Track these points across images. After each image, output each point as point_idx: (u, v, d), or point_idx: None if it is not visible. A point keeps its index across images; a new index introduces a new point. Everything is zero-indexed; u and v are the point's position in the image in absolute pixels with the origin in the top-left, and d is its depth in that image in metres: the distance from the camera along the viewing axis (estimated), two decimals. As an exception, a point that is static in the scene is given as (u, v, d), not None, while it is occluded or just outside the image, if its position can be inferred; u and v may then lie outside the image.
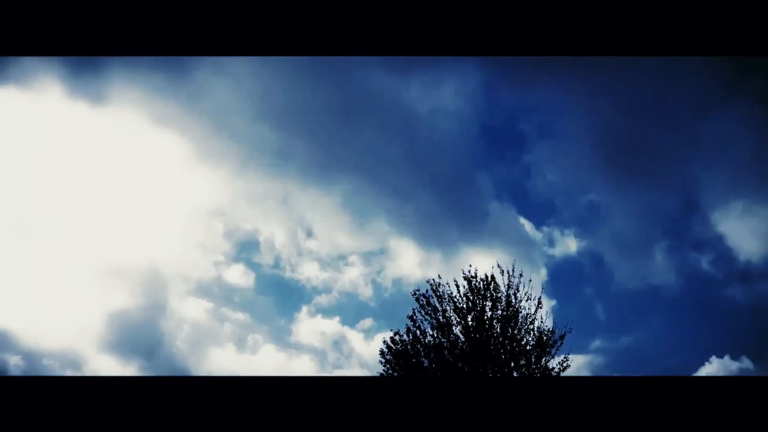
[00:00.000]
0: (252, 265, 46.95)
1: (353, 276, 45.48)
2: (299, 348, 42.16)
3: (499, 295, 17.18)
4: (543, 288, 17.97)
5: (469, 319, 17.06)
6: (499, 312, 17.08)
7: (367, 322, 44.94)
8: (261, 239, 46.51)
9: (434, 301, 17.43)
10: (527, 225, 46.07)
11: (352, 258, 45.81)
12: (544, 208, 47.57)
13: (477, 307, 17.11)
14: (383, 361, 17.42)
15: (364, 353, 40.84)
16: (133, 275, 39.93)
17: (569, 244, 45.67)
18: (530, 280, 17.40)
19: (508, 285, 17.24)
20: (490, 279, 17.35)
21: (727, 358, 31.58)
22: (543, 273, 42.50)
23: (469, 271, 17.44)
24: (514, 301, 17.21)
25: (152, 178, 45.46)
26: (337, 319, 43.55)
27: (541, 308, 17.21)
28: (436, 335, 17.20)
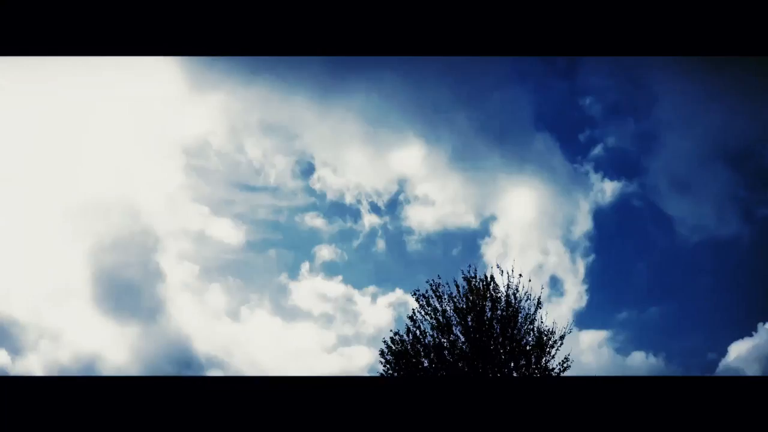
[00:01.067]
0: (245, 216, 38.92)
1: (367, 224, 37.89)
2: (299, 315, 36.24)
3: (499, 295, 17.23)
4: (542, 288, 17.98)
5: (469, 320, 17.10)
6: (499, 312, 17.11)
7: (380, 284, 38.13)
8: (258, 179, 38.40)
9: (434, 301, 17.50)
10: (571, 159, 38.40)
11: (365, 204, 37.65)
12: (593, 138, 37.82)
13: (477, 307, 17.14)
14: (383, 360, 17.48)
15: (369, 318, 35.17)
16: (111, 225, 35.13)
17: (618, 187, 36.73)
18: (530, 280, 17.48)
19: (508, 285, 17.29)
20: (489, 279, 17.43)
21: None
22: (588, 220, 36.08)
23: (469, 272, 17.56)
24: (513, 301, 17.26)
25: (135, 113, 38.04)
26: (340, 278, 36.97)
27: (540, 308, 17.28)
28: (436, 335, 17.25)
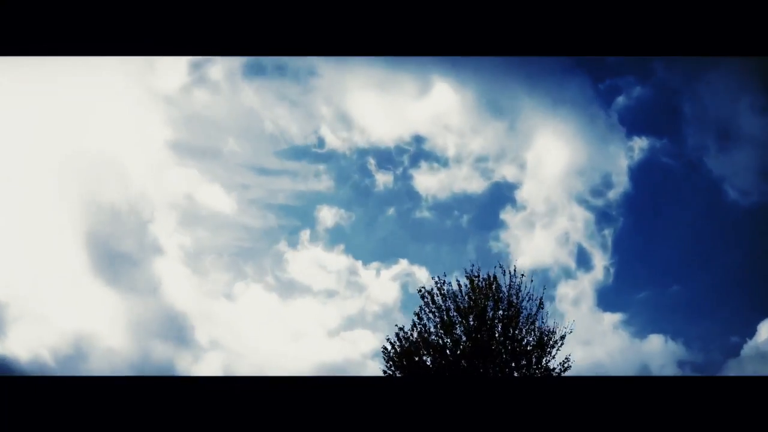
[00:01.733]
0: (240, 178, 34.07)
1: (378, 185, 33.44)
2: (297, 289, 32.63)
3: (501, 295, 17.24)
4: (544, 288, 17.92)
5: (471, 319, 17.11)
6: (501, 312, 17.13)
7: (386, 256, 34.77)
8: (255, 132, 33.44)
9: (439, 299, 17.51)
10: (603, 107, 32.96)
11: (373, 162, 32.95)
12: (617, 86, 32.58)
13: (479, 306, 17.15)
14: (386, 358, 17.48)
15: (373, 293, 31.66)
16: (97, 194, 31.46)
17: (650, 142, 31.52)
18: (531, 280, 17.50)
19: (509, 285, 17.32)
20: (492, 279, 17.42)
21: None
22: (623, 180, 31.48)
23: (472, 270, 17.58)
24: (515, 301, 17.27)
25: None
26: (342, 247, 33.23)
27: (542, 309, 17.30)
28: (439, 334, 17.26)
